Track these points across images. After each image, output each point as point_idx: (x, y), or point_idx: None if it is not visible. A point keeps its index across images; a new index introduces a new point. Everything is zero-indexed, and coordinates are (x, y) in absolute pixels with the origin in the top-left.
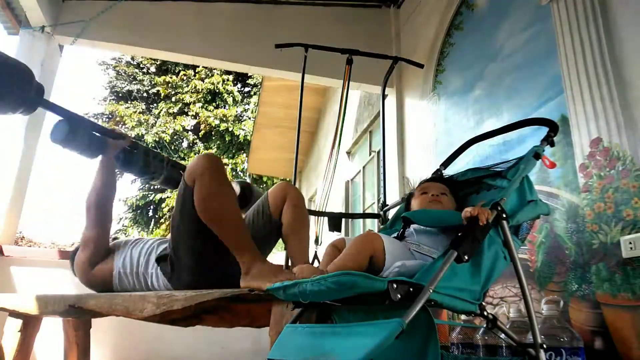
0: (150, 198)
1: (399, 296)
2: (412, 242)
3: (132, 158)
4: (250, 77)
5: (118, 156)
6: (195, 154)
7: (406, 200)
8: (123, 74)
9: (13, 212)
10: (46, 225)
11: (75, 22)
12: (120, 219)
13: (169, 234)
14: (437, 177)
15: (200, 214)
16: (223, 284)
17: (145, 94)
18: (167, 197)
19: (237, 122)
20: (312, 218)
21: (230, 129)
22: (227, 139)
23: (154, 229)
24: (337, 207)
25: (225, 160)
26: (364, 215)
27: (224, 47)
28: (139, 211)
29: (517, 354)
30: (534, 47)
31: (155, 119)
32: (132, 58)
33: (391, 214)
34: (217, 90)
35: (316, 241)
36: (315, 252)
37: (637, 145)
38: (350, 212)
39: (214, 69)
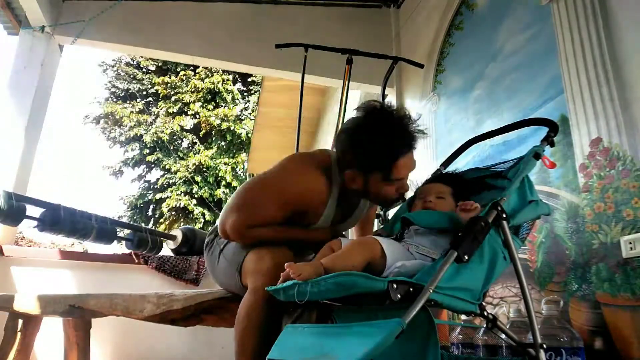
0: (150, 197)
1: (399, 296)
2: (412, 243)
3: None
4: (250, 76)
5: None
6: (195, 154)
7: (408, 201)
8: (122, 74)
9: None
10: None
11: (75, 22)
12: (120, 218)
13: None
14: (438, 176)
15: None
16: None
17: (144, 93)
18: (167, 196)
19: (237, 121)
20: None
21: (231, 128)
22: (227, 138)
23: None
24: None
25: (225, 160)
26: None
27: (224, 47)
28: (138, 210)
29: (517, 354)
30: (534, 47)
31: (155, 118)
32: (132, 58)
33: (391, 214)
34: (217, 90)
35: None
36: None
37: (637, 145)
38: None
39: (214, 69)
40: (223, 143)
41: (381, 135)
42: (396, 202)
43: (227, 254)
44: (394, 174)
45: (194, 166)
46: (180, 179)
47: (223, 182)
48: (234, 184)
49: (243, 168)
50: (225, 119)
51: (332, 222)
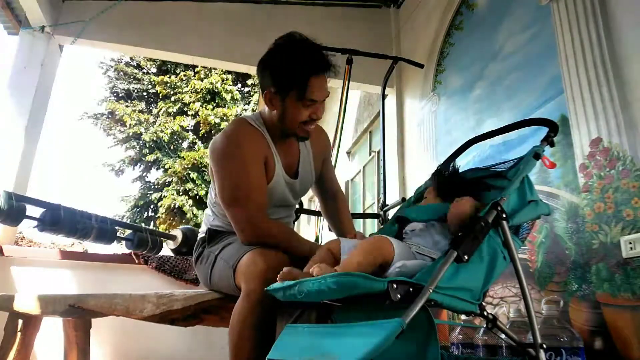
0: (149, 198)
1: (399, 296)
2: (412, 243)
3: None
4: (250, 77)
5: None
6: (194, 153)
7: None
8: (123, 74)
9: None
10: None
11: (75, 22)
12: (121, 218)
13: None
14: (431, 179)
15: None
16: None
17: (144, 94)
18: (164, 196)
19: None
20: (312, 218)
21: None
22: None
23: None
24: None
25: None
26: (364, 215)
27: (224, 47)
28: (137, 210)
29: (517, 354)
30: (534, 47)
31: (155, 119)
32: (132, 59)
33: (391, 214)
34: (217, 90)
35: (316, 241)
36: None
37: (637, 145)
38: (350, 212)
39: (214, 69)
40: None
41: (297, 52)
42: (307, 135)
43: (225, 255)
44: (308, 92)
45: (190, 163)
46: (176, 173)
47: None
48: None
49: None
50: (225, 118)
51: (286, 174)
